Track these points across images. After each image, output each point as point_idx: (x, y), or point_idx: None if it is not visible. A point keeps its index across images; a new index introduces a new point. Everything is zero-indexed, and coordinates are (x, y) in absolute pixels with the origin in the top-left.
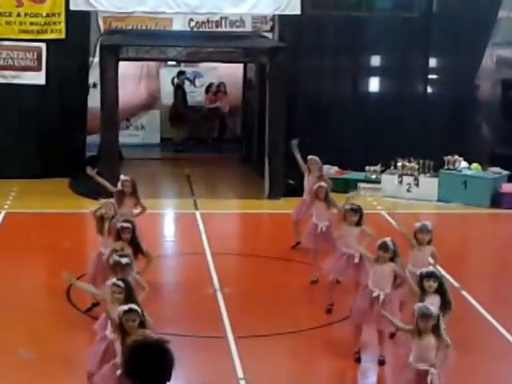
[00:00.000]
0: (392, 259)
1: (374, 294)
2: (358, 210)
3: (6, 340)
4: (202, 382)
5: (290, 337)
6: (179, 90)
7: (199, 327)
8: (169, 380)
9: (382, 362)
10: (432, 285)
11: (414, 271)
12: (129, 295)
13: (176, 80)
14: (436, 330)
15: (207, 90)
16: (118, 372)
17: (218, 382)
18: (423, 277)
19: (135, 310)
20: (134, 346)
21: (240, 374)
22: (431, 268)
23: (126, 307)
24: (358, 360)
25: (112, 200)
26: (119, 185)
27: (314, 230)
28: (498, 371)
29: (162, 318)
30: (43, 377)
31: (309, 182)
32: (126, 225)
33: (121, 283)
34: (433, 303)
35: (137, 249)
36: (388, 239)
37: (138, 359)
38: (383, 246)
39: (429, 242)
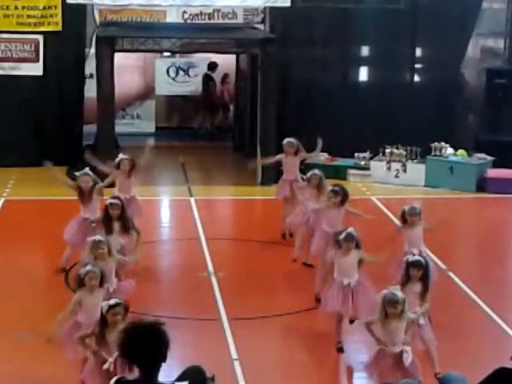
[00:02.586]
0: (356, 247)
1: (345, 283)
2: (338, 192)
3: (2, 323)
4: (196, 363)
5: (282, 319)
6: (211, 81)
7: (194, 310)
8: (164, 361)
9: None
10: (417, 274)
11: (410, 251)
12: (102, 279)
13: (207, 71)
14: (402, 313)
15: (223, 81)
16: (105, 366)
17: (213, 362)
18: (409, 265)
19: (120, 304)
20: (130, 328)
21: (234, 354)
22: (417, 257)
23: (112, 302)
24: (341, 350)
25: (89, 172)
26: (118, 161)
27: (303, 214)
28: (484, 351)
29: (158, 300)
30: (40, 359)
31: (286, 162)
32: (114, 201)
33: (96, 269)
34: (414, 290)
35: (126, 225)
36: (352, 229)
37: (133, 340)
38: (348, 237)
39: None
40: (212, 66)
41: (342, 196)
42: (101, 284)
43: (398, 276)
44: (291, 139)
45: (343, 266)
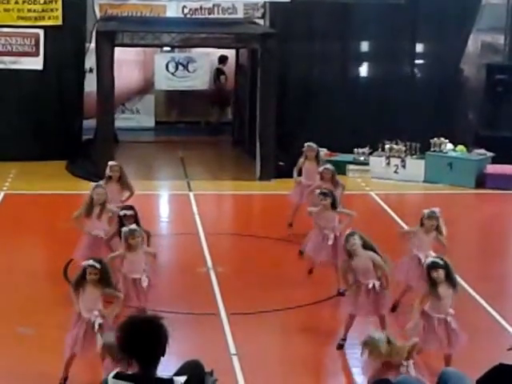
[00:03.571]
0: (364, 246)
1: (370, 286)
2: (327, 194)
3: (4, 317)
4: (195, 358)
5: (281, 314)
6: (222, 74)
7: (193, 304)
8: (163, 355)
9: None
10: (440, 274)
11: (418, 255)
12: (104, 277)
13: (218, 65)
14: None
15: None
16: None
17: (211, 357)
18: (429, 268)
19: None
20: (129, 323)
21: (232, 349)
22: (432, 258)
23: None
24: (341, 347)
25: (103, 184)
26: (107, 170)
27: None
28: (483, 348)
29: (156, 295)
30: (41, 352)
31: (307, 167)
32: (129, 212)
33: (97, 264)
34: (446, 292)
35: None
36: (350, 233)
37: (132, 335)
38: (349, 238)
39: (436, 228)
40: (222, 59)
41: (332, 198)
42: (103, 281)
43: (400, 277)
44: (312, 144)
45: (360, 269)
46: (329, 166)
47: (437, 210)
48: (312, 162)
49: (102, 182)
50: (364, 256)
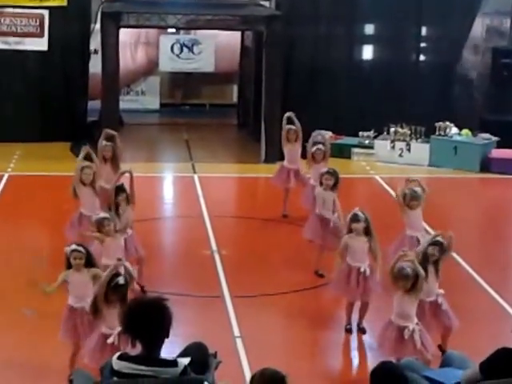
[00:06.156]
0: (366, 230)
1: (361, 270)
2: (333, 174)
3: (8, 298)
4: (199, 340)
5: (284, 296)
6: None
7: (197, 287)
8: (167, 337)
9: (363, 331)
10: (435, 254)
11: (412, 235)
12: (89, 260)
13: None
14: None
15: None
16: (109, 340)
17: (215, 340)
18: (430, 244)
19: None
20: (133, 304)
21: (236, 332)
22: (438, 237)
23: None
24: (349, 331)
25: (91, 164)
26: (100, 150)
27: (312, 191)
28: (486, 332)
29: (161, 277)
30: (45, 335)
31: (289, 150)
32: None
33: (81, 248)
34: (431, 271)
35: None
36: (357, 210)
37: (137, 316)
38: (354, 218)
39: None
40: None
41: (335, 179)
42: (89, 263)
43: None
44: (293, 127)
45: (354, 250)
46: (320, 146)
47: (417, 189)
48: (293, 144)
49: (88, 163)
50: (363, 239)
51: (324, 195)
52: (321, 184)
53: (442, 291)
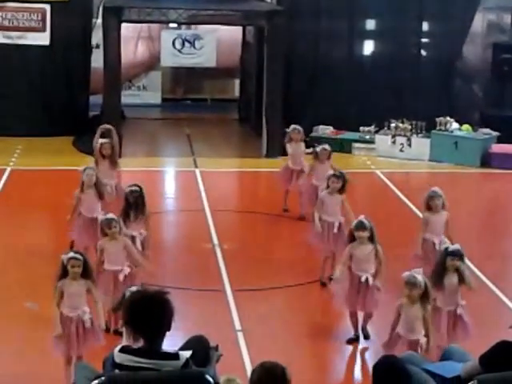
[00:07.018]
0: (371, 238)
1: (363, 279)
2: (340, 177)
3: (11, 292)
4: (200, 334)
5: (286, 290)
6: None
7: (198, 281)
8: (168, 330)
9: (366, 336)
10: (456, 264)
11: (431, 239)
12: (86, 269)
13: None
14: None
15: None
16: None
17: (216, 333)
18: (448, 254)
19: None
20: (135, 297)
21: (237, 325)
22: (457, 245)
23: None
24: (357, 339)
25: (93, 166)
26: (97, 147)
27: (314, 191)
28: (486, 326)
29: (163, 271)
30: (45, 327)
31: (293, 151)
32: (134, 188)
33: (79, 256)
34: (452, 281)
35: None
36: (363, 218)
37: (138, 309)
38: (360, 226)
39: (442, 208)
40: None
41: (343, 182)
42: (85, 273)
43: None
44: (298, 127)
45: (358, 259)
46: (326, 146)
47: (438, 188)
48: (298, 144)
49: (91, 165)
50: (368, 248)
51: (327, 199)
52: (327, 187)
53: (463, 302)
